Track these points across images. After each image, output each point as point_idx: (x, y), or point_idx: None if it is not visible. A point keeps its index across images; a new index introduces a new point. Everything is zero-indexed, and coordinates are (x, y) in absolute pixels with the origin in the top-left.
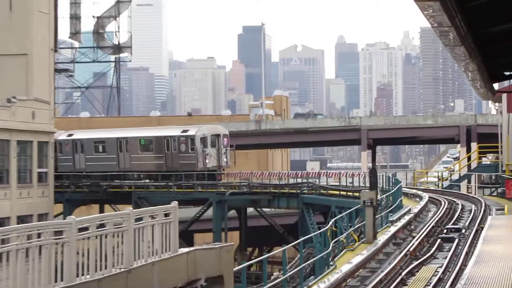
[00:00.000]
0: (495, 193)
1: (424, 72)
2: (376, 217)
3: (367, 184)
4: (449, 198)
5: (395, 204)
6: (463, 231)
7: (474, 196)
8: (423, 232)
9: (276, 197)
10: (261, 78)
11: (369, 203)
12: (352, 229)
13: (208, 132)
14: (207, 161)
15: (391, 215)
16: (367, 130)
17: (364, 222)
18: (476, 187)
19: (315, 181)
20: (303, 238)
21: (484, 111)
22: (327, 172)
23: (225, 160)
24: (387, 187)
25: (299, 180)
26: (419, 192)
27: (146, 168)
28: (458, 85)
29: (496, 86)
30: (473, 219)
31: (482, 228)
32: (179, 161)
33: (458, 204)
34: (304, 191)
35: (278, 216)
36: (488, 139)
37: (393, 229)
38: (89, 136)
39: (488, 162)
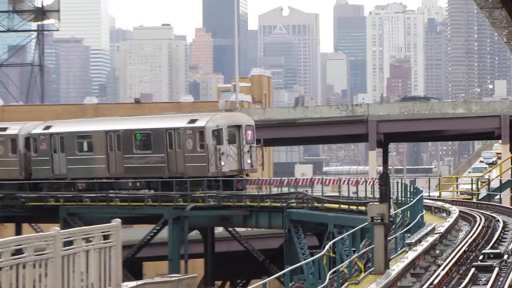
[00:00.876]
0: None
1: (453, 44)
2: (389, 239)
3: (377, 195)
4: (487, 213)
5: (414, 222)
6: (506, 257)
7: None
8: (452, 259)
9: (254, 213)
10: (234, 53)
11: (379, 220)
12: (356, 255)
13: (223, 123)
14: (222, 162)
15: (409, 236)
16: (377, 122)
17: (373, 246)
18: None
19: (307, 191)
20: (290, 268)
21: None
22: (322, 178)
23: (248, 161)
24: (403, 199)
25: (285, 190)
26: (447, 205)
27: (143, 173)
28: (499, 61)
29: None
30: None
31: None
32: (185, 163)
33: (498, 220)
34: (291, 204)
35: (256, 238)
36: None
37: (411, 254)
38: (70, 129)
39: None
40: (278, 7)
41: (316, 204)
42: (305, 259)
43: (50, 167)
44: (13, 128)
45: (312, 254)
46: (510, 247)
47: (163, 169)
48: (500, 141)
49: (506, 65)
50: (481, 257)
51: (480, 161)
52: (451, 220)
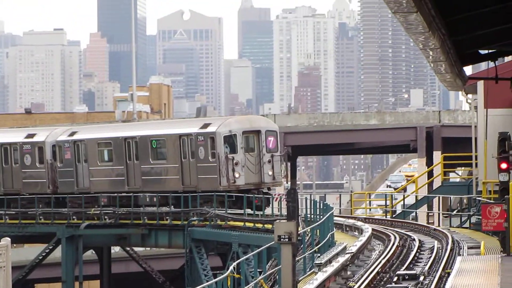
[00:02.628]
0: (466, 224)
1: (366, 50)
2: (297, 259)
3: (284, 212)
4: (401, 231)
5: (324, 241)
6: (421, 278)
7: (437, 228)
8: (364, 281)
9: (153, 231)
10: (131, 59)
11: (286, 239)
12: (262, 276)
13: (238, 128)
14: (236, 174)
15: (318, 256)
16: (284, 133)
17: (279, 267)
18: (441, 215)
19: (209, 208)
20: None
21: (452, 107)
22: (226, 194)
23: (269, 172)
24: (312, 216)
25: (187, 207)
26: (359, 223)
27: (159, 187)
28: (415, 69)
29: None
30: (435, 261)
31: (449, 274)
32: (198, 174)
33: (414, 239)
34: (193, 222)
35: (156, 259)
36: (457, 146)
37: (320, 276)
38: (92, 135)
39: (458, 180)
40: (178, 11)
41: (219, 222)
42: (207, 281)
43: (74, 179)
44: (41, 135)
45: (215, 276)
46: (426, 268)
47: (178, 182)
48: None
49: (422, 73)
50: (395, 278)
51: (387, 186)
52: (363, 239)
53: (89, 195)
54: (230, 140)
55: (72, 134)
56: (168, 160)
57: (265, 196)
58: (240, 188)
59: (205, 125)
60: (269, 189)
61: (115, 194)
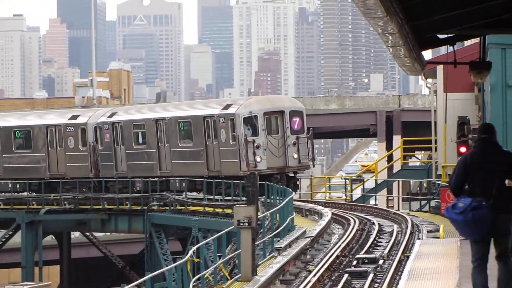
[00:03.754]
0: (426, 208)
1: (326, 35)
2: (256, 243)
3: (244, 197)
4: (361, 215)
5: (284, 225)
6: (381, 262)
7: (397, 212)
8: (324, 265)
9: (112, 217)
10: (90, 45)
11: (246, 224)
12: (221, 261)
13: (259, 108)
14: (257, 158)
15: (278, 241)
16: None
17: (239, 251)
18: (400, 199)
19: (169, 193)
20: (151, 275)
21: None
22: (186, 179)
23: (295, 156)
24: (272, 200)
25: (146, 191)
26: (319, 207)
27: (186, 172)
28: (375, 54)
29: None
30: (395, 245)
31: (408, 257)
32: (220, 159)
33: (373, 223)
34: (152, 207)
35: (116, 244)
36: (417, 130)
37: (280, 260)
38: (128, 116)
39: (417, 164)
40: None
41: (179, 207)
42: (167, 265)
43: (113, 163)
44: (84, 116)
45: (175, 260)
46: (385, 252)
47: (203, 167)
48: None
49: (382, 58)
50: (355, 262)
51: (342, 178)
52: (323, 223)
53: (125, 179)
54: (250, 122)
55: (111, 115)
56: (194, 144)
57: (292, 181)
58: (261, 172)
59: (227, 106)
60: (295, 173)
61: (146, 179)
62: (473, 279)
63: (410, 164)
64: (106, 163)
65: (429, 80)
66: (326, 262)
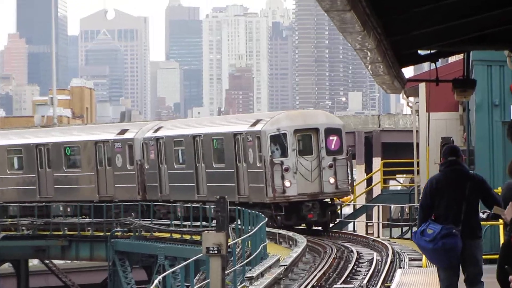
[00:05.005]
0: (408, 235)
1: (301, 51)
2: (227, 272)
3: (214, 223)
4: (339, 242)
5: (256, 253)
6: None
7: (377, 239)
8: None
9: (73, 243)
10: (51, 61)
11: (215, 251)
12: None
13: (288, 125)
14: (286, 183)
15: (250, 270)
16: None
17: (208, 281)
18: (380, 225)
19: (134, 219)
20: None
21: (393, 110)
22: (151, 204)
23: (331, 180)
24: (243, 226)
25: (110, 217)
26: (292, 234)
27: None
28: (354, 71)
29: (410, 72)
30: (374, 274)
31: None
32: (249, 183)
33: (352, 251)
34: (116, 233)
35: (77, 272)
36: (398, 151)
37: None
38: (171, 132)
39: (399, 188)
40: (102, 10)
41: (144, 233)
42: None
43: (157, 184)
44: (132, 130)
45: None
46: (365, 282)
47: (233, 191)
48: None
49: (361, 75)
50: None
51: None
52: (298, 250)
53: (168, 203)
54: (279, 141)
55: (157, 130)
56: (226, 165)
57: (329, 209)
58: (290, 199)
59: (255, 122)
60: (332, 200)
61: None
62: None
63: (390, 188)
64: (151, 184)
65: (411, 98)
66: None
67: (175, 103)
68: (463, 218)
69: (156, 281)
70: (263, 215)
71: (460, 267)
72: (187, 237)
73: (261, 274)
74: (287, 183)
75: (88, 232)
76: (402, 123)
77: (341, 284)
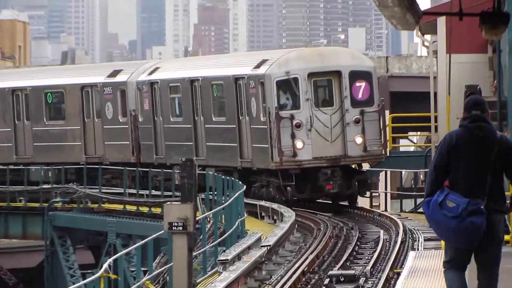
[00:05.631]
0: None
1: None
2: (195, 254)
3: (177, 192)
4: (336, 218)
5: (232, 230)
6: (362, 281)
7: (384, 213)
8: (285, 284)
9: (1, 217)
10: None
11: (180, 228)
12: (147, 277)
13: (301, 67)
14: (297, 143)
15: (223, 251)
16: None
17: (170, 265)
18: (388, 196)
19: (76, 185)
20: None
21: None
22: (100, 166)
23: (358, 140)
24: (216, 195)
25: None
26: (276, 206)
27: (222, 161)
28: (355, 2)
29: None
30: (381, 258)
31: (399, 274)
32: (252, 142)
33: (352, 229)
34: (55, 204)
35: (6, 254)
36: (410, 103)
37: (226, 277)
38: (167, 74)
39: (411, 149)
40: None
41: (90, 205)
42: (74, 283)
43: (152, 142)
44: (126, 72)
45: (85, 276)
46: (368, 267)
47: (235, 153)
48: None
49: (365, 7)
50: (327, 281)
51: None
52: (284, 227)
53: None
54: (288, 88)
55: (153, 71)
56: (227, 120)
57: (356, 178)
58: (303, 165)
59: (260, 64)
60: (360, 166)
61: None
62: (450, 283)
63: (401, 149)
64: (145, 142)
65: (427, 37)
66: (288, 280)
67: (131, 40)
68: (488, 189)
69: (105, 265)
70: (271, 185)
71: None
72: (145, 209)
73: (238, 257)
74: (298, 144)
75: (20, 203)
76: (415, 68)
77: (338, 269)
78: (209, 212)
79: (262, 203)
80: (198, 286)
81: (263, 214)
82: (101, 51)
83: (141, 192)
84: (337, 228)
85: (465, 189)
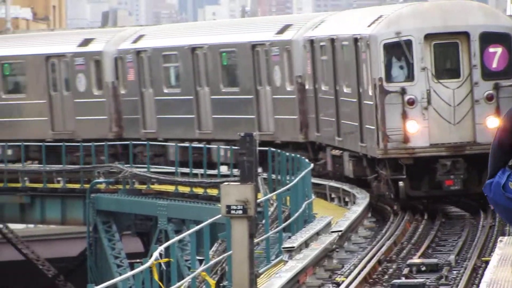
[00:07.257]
0: None
1: None
2: (256, 241)
3: (236, 170)
4: (413, 200)
5: (298, 214)
6: (445, 271)
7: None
8: (359, 274)
9: (37, 200)
10: None
11: (240, 212)
12: (203, 267)
13: (416, 26)
14: (409, 126)
15: (289, 238)
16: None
17: (229, 253)
18: None
19: (121, 164)
20: None
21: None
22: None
23: (492, 122)
24: (280, 176)
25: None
26: (348, 187)
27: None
28: None
29: None
30: (466, 244)
31: (487, 263)
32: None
33: (434, 211)
34: (98, 185)
35: (43, 241)
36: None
37: (293, 266)
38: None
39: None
40: None
41: (138, 186)
42: (121, 274)
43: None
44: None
45: (133, 266)
46: (452, 255)
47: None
48: None
49: None
50: (406, 270)
51: None
52: (358, 210)
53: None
54: (398, 53)
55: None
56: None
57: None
58: (416, 154)
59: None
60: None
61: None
62: None
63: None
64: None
65: None
66: (362, 270)
67: (180, 0)
68: None
69: (155, 253)
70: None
71: None
72: (200, 191)
73: (305, 244)
74: (411, 127)
75: (58, 184)
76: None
77: (419, 258)
78: (272, 194)
79: (332, 183)
80: (261, 277)
81: (332, 195)
82: (147, 12)
83: (194, 171)
84: (418, 212)
85: None
